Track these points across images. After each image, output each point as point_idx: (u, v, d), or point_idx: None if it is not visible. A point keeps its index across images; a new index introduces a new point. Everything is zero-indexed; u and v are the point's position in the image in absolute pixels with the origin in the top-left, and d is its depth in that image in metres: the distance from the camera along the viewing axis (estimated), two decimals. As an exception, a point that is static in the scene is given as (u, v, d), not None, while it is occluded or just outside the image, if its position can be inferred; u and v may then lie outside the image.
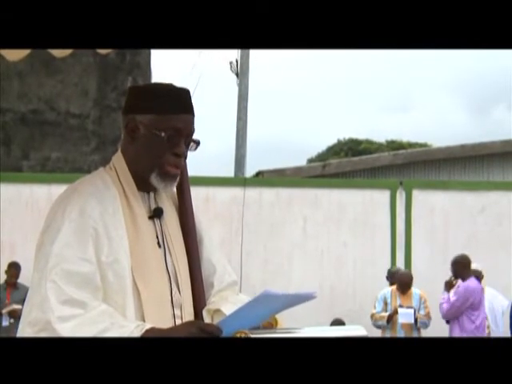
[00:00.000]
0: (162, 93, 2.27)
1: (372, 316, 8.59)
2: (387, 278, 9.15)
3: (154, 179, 2.26)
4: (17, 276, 8.92)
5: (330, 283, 9.74)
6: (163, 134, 2.23)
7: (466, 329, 8.12)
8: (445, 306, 8.14)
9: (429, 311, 8.47)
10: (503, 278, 9.36)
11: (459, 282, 8.22)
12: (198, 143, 2.31)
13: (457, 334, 8.11)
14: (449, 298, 8.15)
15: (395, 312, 8.31)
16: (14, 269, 8.93)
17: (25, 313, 2.11)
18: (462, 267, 8.23)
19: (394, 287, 8.59)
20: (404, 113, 60.88)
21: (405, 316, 8.27)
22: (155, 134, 2.23)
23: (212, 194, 9.84)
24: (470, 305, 8.09)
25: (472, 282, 8.17)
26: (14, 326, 8.19)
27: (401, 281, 8.54)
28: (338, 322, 8.81)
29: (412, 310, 8.29)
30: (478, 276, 8.61)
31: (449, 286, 8.28)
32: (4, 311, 8.66)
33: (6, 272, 8.97)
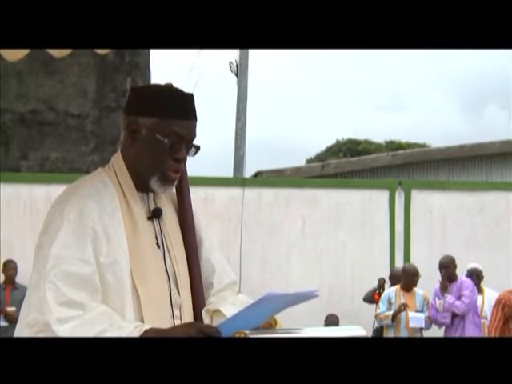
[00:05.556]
0: (167, 97, 2.25)
1: (376, 316, 8.59)
2: (390, 278, 9.15)
3: (154, 183, 2.26)
4: (15, 271, 8.88)
5: (328, 283, 9.74)
6: (166, 140, 2.22)
7: (477, 322, 8.36)
8: (462, 301, 8.24)
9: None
10: (502, 278, 9.35)
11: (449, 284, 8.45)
12: (198, 148, 2.31)
13: (471, 328, 8.23)
14: (458, 296, 8.27)
15: (399, 310, 8.31)
16: (10, 264, 8.91)
17: (23, 314, 2.11)
18: (453, 269, 8.44)
19: (398, 287, 8.60)
20: (403, 113, 60.91)
21: (416, 320, 8.30)
22: (157, 139, 2.22)
23: (211, 194, 9.83)
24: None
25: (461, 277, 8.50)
26: (11, 326, 8.18)
27: (407, 274, 8.52)
28: (332, 318, 8.81)
29: (423, 315, 8.33)
30: (479, 276, 8.69)
31: (444, 287, 8.39)
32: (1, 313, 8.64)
33: (3, 271, 8.96)
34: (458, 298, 8.28)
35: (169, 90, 2.29)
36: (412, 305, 8.40)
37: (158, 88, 2.34)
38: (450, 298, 8.27)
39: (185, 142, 2.25)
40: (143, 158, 2.26)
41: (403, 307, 8.29)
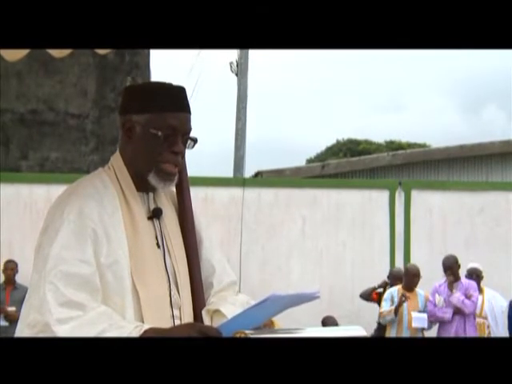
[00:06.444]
0: (158, 92, 2.27)
1: (380, 314, 8.60)
2: (388, 277, 9.16)
3: (153, 178, 2.26)
4: (15, 271, 8.89)
5: (328, 283, 9.74)
6: (160, 133, 2.23)
7: (473, 322, 8.40)
8: (472, 301, 8.32)
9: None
10: (502, 278, 9.36)
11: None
12: (195, 141, 2.31)
13: (468, 327, 8.30)
14: (465, 296, 8.32)
15: (401, 302, 8.31)
16: (10, 264, 8.92)
17: (23, 314, 2.11)
18: (457, 269, 8.49)
19: (400, 287, 8.60)
20: (402, 113, 60.95)
21: (418, 320, 8.31)
22: (152, 133, 2.23)
23: (211, 194, 9.83)
24: None
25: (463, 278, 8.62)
26: (11, 326, 8.17)
27: (409, 274, 8.54)
28: (330, 319, 8.80)
29: (425, 315, 8.33)
30: (478, 276, 8.70)
31: (451, 285, 8.40)
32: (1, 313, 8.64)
33: (3, 271, 8.96)
34: (467, 297, 8.31)
35: (160, 86, 2.30)
36: (414, 305, 8.41)
37: (149, 85, 2.38)
38: (459, 295, 8.29)
39: (180, 135, 2.26)
40: (140, 154, 2.26)
41: (404, 298, 8.29)
